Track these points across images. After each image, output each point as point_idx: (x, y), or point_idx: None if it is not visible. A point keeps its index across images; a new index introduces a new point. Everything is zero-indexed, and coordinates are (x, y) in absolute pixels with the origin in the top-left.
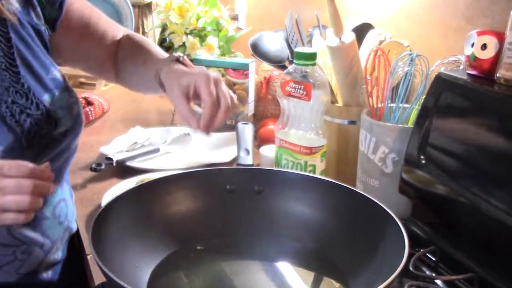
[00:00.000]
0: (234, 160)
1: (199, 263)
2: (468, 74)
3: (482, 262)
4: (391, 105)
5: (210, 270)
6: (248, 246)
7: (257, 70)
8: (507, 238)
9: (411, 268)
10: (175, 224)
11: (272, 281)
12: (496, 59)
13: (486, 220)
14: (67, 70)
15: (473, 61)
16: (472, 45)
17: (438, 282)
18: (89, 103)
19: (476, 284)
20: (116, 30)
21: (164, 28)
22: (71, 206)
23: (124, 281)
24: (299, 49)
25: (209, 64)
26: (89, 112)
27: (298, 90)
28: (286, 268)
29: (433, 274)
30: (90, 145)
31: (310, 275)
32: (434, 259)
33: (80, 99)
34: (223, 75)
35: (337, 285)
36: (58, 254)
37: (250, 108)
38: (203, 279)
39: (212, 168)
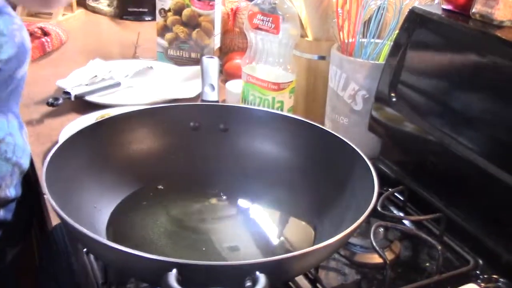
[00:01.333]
0: (199, 96)
1: (160, 203)
2: (443, 9)
3: (450, 202)
4: (363, 40)
5: (171, 211)
6: (212, 186)
7: (224, 1)
8: (476, 178)
9: (379, 208)
10: (135, 163)
11: (237, 221)
12: None
13: (455, 160)
14: None
15: None
16: None
17: (406, 222)
18: (45, 33)
19: (443, 224)
20: None
21: None
22: (20, 141)
23: (82, 223)
24: None
25: None
26: (46, 43)
27: (266, 23)
28: (251, 208)
29: (401, 214)
30: (46, 78)
31: (276, 215)
32: (402, 198)
33: (36, 29)
34: (187, 6)
35: (304, 224)
36: (10, 191)
37: (216, 41)
38: (164, 219)
39: (175, 104)
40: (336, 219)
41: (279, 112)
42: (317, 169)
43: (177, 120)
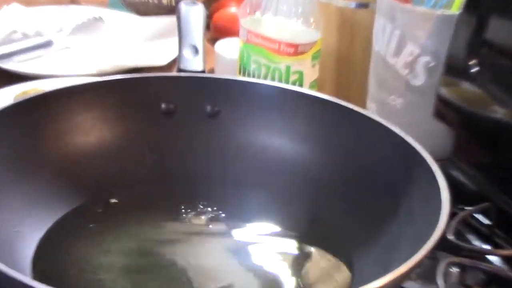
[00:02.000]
0: (174, 63)
1: (115, 225)
2: None
3: None
4: None
5: (132, 237)
6: (193, 198)
7: None
8: None
9: (450, 237)
10: (77, 164)
11: (230, 253)
12: None
13: None
14: None
15: None
16: None
17: (493, 258)
18: None
19: None
20: None
21: None
22: None
23: None
24: None
25: None
26: None
27: None
28: (251, 232)
29: (486, 246)
30: None
31: (289, 245)
32: (487, 222)
33: None
34: None
35: (333, 260)
36: None
37: None
38: (122, 249)
39: (138, 75)
40: (383, 253)
41: (297, 88)
42: (353, 177)
43: (141, 100)
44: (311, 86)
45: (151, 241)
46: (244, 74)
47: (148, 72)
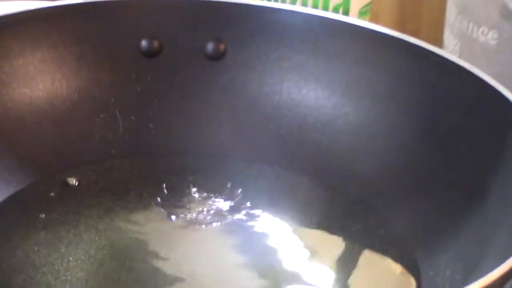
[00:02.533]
0: None
1: (71, 216)
2: None
3: None
4: None
5: (93, 233)
6: (180, 180)
7: None
8: None
9: None
10: (18, 129)
11: (235, 260)
12: None
13: None
14: None
15: None
16: None
17: None
18: None
19: None
20: None
21: None
22: None
23: None
24: None
25: None
26: None
27: None
28: (275, 227)
29: None
30: None
31: (331, 246)
32: None
33: None
34: None
35: (394, 266)
36: None
37: None
38: (86, 250)
39: None
40: (463, 254)
41: (340, 17)
42: (422, 146)
43: (112, 35)
44: (362, 14)
45: (124, 239)
46: None
47: None
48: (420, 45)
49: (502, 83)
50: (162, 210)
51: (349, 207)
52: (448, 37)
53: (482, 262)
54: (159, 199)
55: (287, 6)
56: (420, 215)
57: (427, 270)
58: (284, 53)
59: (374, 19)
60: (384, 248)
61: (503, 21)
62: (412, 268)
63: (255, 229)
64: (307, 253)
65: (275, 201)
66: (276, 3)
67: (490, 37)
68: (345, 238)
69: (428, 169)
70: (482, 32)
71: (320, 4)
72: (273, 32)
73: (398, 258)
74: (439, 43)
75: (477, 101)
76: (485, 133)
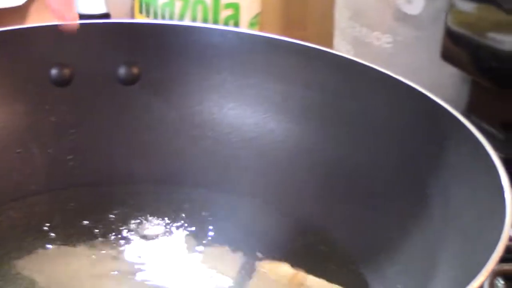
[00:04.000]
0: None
1: None
2: None
3: None
4: None
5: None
6: (105, 215)
7: None
8: None
9: None
10: None
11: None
12: None
13: None
14: None
15: None
16: None
17: None
18: None
19: None
20: None
21: None
22: None
23: None
24: None
25: None
26: None
27: None
28: (207, 261)
29: None
30: None
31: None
32: None
33: None
34: None
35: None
36: None
37: None
38: None
39: (9, 28)
40: (417, 270)
41: (255, 32)
42: (356, 162)
43: (18, 66)
44: (252, 25)
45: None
46: (147, 14)
47: None
48: (343, 56)
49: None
50: (91, 249)
51: (285, 224)
52: (340, 43)
53: (432, 277)
54: (88, 235)
55: (201, 25)
56: (362, 228)
57: (377, 285)
58: (202, 72)
59: (264, 26)
60: (326, 265)
61: (397, 24)
62: (361, 284)
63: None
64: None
65: (204, 223)
66: (172, 21)
67: (384, 41)
68: (287, 258)
69: (365, 181)
70: (376, 37)
71: (210, 17)
72: (190, 52)
73: (344, 274)
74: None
75: (411, 108)
76: (422, 142)
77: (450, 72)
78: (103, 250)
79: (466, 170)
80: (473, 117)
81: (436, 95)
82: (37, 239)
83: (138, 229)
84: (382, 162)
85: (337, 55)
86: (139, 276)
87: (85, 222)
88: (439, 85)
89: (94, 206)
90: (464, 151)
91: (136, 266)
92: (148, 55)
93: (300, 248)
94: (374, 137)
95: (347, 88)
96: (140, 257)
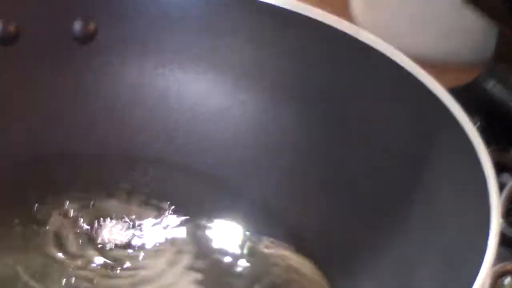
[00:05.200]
0: None
1: None
2: None
3: None
4: None
5: None
6: (63, 185)
7: None
8: None
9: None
10: None
11: None
12: None
13: None
14: None
15: None
16: None
17: None
18: None
19: None
20: None
21: None
22: None
23: None
24: None
25: None
26: None
27: None
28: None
29: None
30: None
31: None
32: None
33: None
34: None
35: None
36: None
37: None
38: None
39: None
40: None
41: None
42: (332, 148)
43: None
44: None
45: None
46: None
47: None
48: (324, 20)
49: (415, 34)
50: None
51: (249, 210)
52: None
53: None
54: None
55: None
56: (332, 227)
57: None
58: (166, 33)
59: None
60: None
61: None
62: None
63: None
64: None
65: (162, 199)
66: None
67: None
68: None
69: (340, 171)
70: None
71: None
72: (153, 9)
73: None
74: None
75: (399, 90)
76: (408, 131)
77: (473, 18)
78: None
79: (455, 174)
80: (496, 67)
81: (458, 44)
82: None
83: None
84: (362, 151)
85: (319, 21)
86: None
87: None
88: (459, 32)
89: (43, 182)
90: (454, 150)
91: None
92: (107, 10)
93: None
94: (356, 123)
95: (333, 59)
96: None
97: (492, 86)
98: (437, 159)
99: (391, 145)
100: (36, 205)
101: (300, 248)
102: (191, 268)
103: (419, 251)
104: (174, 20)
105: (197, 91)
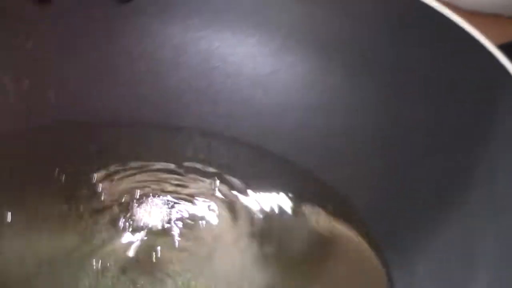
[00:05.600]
0: None
1: None
2: None
3: None
4: None
5: None
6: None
7: None
8: None
9: None
10: None
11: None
12: None
13: None
14: None
15: None
16: None
17: None
18: None
19: None
20: None
21: None
22: None
23: None
24: None
25: None
26: None
27: None
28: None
29: None
30: None
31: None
32: None
33: None
34: None
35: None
36: None
37: None
38: None
39: None
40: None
41: None
42: (393, 122)
43: None
44: None
45: None
46: None
47: None
48: None
49: None
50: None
51: (300, 179)
52: None
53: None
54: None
55: None
56: (384, 198)
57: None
58: None
59: None
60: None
61: None
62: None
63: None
64: None
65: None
66: None
67: None
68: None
69: (393, 138)
70: None
71: None
72: None
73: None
74: None
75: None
76: (471, 100)
77: None
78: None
79: None
80: None
81: None
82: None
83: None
84: (418, 113)
85: None
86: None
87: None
88: None
89: (76, 147)
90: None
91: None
92: None
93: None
94: (406, 82)
95: (396, 25)
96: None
97: None
98: (501, 125)
99: (450, 108)
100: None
101: (349, 218)
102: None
103: (477, 232)
104: None
105: (243, 51)
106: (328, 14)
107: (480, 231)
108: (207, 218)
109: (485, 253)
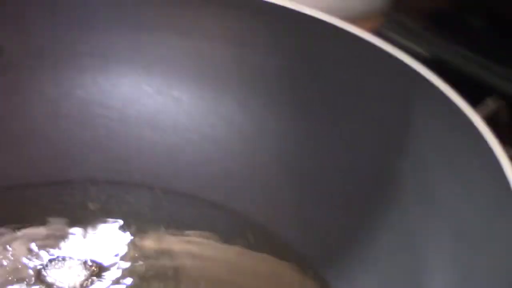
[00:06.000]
0: None
1: None
2: None
3: None
4: None
5: None
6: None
7: None
8: None
9: None
10: None
11: None
12: None
13: None
14: None
15: None
16: None
17: None
18: None
19: None
20: None
21: None
22: None
23: None
24: None
25: None
26: None
27: None
28: None
29: None
30: None
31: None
32: None
33: None
34: None
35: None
36: None
37: None
38: None
39: None
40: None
41: None
42: (299, 134)
43: None
44: None
45: None
46: None
47: None
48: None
49: None
50: None
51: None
52: None
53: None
54: None
55: None
56: (314, 225)
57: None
58: (76, 33)
59: None
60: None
61: None
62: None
63: None
64: None
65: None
66: None
67: None
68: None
69: (307, 167)
70: None
71: None
72: (58, 11)
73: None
74: None
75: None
76: (385, 104)
77: None
78: None
79: (442, 138)
80: (395, 15)
81: None
82: None
83: None
84: (331, 136)
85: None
86: None
87: None
88: None
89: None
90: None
91: None
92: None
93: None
94: (325, 103)
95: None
96: None
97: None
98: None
99: (373, 125)
100: None
101: (274, 248)
102: None
103: (418, 233)
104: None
105: (125, 91)
106: (211, 46)
107: (421, 232)
108: None
109: (435, 254)
